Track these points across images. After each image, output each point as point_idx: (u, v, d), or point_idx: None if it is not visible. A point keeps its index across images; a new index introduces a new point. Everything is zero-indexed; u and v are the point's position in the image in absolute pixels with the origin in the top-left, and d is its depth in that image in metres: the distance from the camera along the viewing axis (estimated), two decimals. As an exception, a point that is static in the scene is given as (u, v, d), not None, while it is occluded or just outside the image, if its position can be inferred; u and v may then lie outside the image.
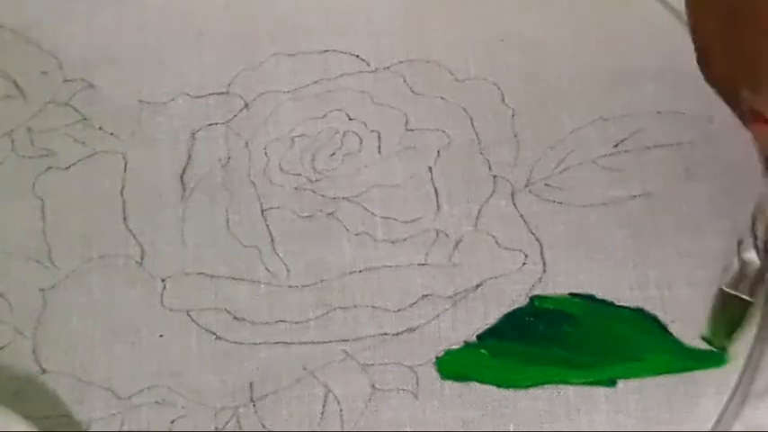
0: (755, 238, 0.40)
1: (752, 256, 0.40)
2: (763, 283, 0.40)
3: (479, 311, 0.41)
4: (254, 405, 0.40)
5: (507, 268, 0.42)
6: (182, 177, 0.45)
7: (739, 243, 0.40)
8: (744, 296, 0.40)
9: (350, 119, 0.46)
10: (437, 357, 0.40)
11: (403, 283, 0.42)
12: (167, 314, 0.42)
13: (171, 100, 0.47)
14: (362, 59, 0.47)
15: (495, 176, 0.44)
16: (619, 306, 0.41)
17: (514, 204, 0.43)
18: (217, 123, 0.46)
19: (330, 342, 0.41)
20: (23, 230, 0.44)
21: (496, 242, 0.42)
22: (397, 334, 0.41)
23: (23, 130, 0.46)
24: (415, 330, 0.41)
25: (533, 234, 0.42)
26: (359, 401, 0.40)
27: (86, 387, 0.41)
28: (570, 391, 0.39)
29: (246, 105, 0.47)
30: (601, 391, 0.39)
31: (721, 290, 0.40)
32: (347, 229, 0.43)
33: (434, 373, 0.40)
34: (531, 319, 0.41)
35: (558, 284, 0.41)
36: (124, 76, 0.48)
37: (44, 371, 0.41)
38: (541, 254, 0.42)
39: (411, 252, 0.43)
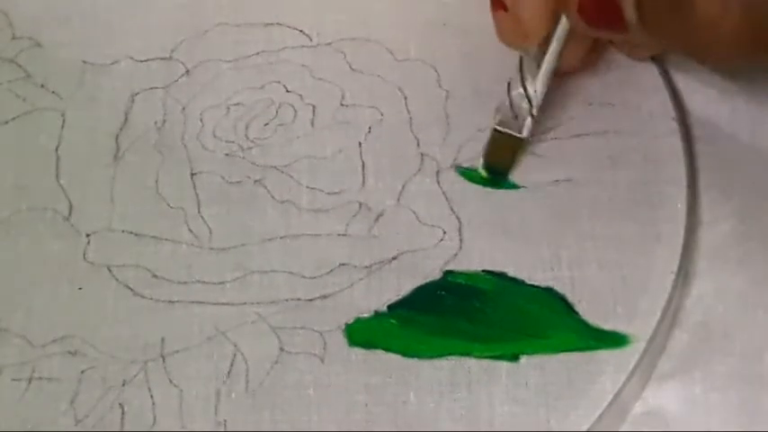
0: (523, 78, 0.42)
1: (519, 94, 0.42)
2: (532, 120, 0.42)
3: (393, 283, 0.41)
4: (163, 360, 0.40)
5: (425, 243, 0.42)
6: (117, 138, 0.46)
7: (509, 83, 0.42)
8: (515, 134, 0.42)
9: (287, 91, 0.46)
10: (347, 324, 0.41)
11: (322, 251, 0.42)
12: (89, 268, 0.43)
13: (114, 62, 0.48)
14: (305, 34, 0.48)
15: (422, 154, 0.44)
16: (529, 284, 0.41)
17: (438, 182, 0.43)
18: (156, 87, 0.47)
19: (244, 304, 0.41)
20: (-44, 179, 0.45)
21: (417, 218, 0.43)
22: (311, 300, 0.41)
23: (-35, 83, 0.47)
24: (328, 297, 0.41)
25: (454, 212, 0.43)
26: (266, 362, 0.40)
27: (2, 334, 0.41)
28: (473, 364, 0.39)
29: (187, 72, 0.47)
30: (504, 365, 0.39)
31: (495, 129, 0.43)
32: (273, 197, 0.44)
33: (343, 340, 0.40)
34: (443, 292, 0.41)
35: (473, 262, 0.41)
36: (71, 36, 0.48)
37: (-39, 317, 0.41)
38: (459, 231, 0.42)
39: (332, 222, 0.43)
